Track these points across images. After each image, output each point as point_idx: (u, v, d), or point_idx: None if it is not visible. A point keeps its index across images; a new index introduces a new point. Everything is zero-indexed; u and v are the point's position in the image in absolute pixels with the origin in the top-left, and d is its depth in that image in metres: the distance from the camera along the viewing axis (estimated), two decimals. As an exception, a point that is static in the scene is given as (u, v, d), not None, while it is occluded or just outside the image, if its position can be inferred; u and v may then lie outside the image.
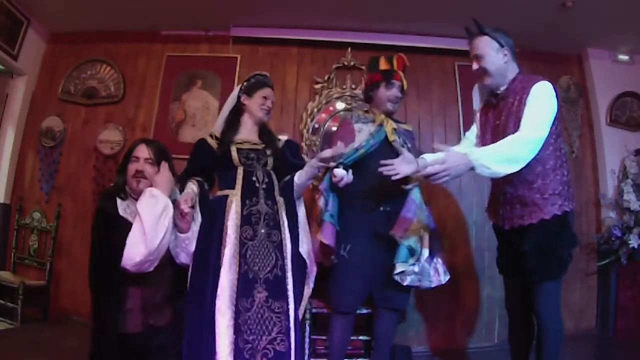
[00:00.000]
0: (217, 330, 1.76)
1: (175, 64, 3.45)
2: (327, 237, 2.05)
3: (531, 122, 1.73)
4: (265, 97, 2.14)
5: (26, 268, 3.25)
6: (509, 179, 1.80)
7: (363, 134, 2.19)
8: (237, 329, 1.76)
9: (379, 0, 3.02)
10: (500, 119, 1.89)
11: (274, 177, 2.08)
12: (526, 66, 3.44)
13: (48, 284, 3.12)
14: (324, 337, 2.52)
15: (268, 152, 2.10)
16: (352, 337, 2.38)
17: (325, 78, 3.37)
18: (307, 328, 2.38)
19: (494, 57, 1.87)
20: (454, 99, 3.40)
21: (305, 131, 3.29)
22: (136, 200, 1.82)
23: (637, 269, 3.07)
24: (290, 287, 1.90)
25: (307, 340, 2.38)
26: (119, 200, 1.82)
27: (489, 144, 1.84)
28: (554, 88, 1.82)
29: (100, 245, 1.76)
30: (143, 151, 1.88)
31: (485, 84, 1.93)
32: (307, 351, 2.37)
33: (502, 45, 1.87)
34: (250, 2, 3.13)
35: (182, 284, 1.90)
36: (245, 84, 2.18)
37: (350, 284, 2.07)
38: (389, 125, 2.21)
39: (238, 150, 2.05)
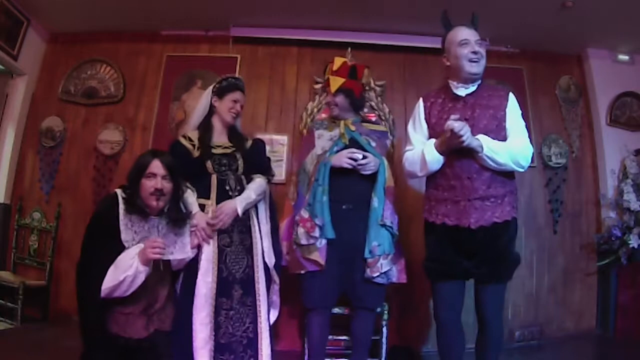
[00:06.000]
0: (193, 327, 1.91)
1: (175, 64, 3.45)
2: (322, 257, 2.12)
3: (524, 133, 1.90)
4: (234, 101, 2.19)
5: (26, 268, 3.25)
6: (480, 175, 1.82)
7: (323, 139, 2.31)
8: (217, 326, 1.93)
9: (379, 0, 3.02)
10: (473, 116, 1.87)
11: (244, 182, 2.16)
12: (526, 66, 3.50)
13: (48, 284, 3.12)
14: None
15: (238, 155, 2.17)
16: (340, 337, 2.49)
17: (326, 78, 3.37)
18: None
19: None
20: (454, 99, 3.40)
21: (305, 131, 3.29)
22: (147, 215, 1.81)
23: (637, 269, 3.07)
24: (260, 284, 2.07)
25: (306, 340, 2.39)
26: (121, 212, 1.77)
27: None
28: None
29: (94, 252, 1.75)
30: (159, 167, 1.82)
31: (475, 71, 1.89)
32: (306, 351, 2.38)
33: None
34: (250, 2, 3.12)
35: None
36: (217, 86, 2.22)
37: (319, 280, 2.11)
38: (342, 127, 2.32)
39: (211, 156, 2.12)
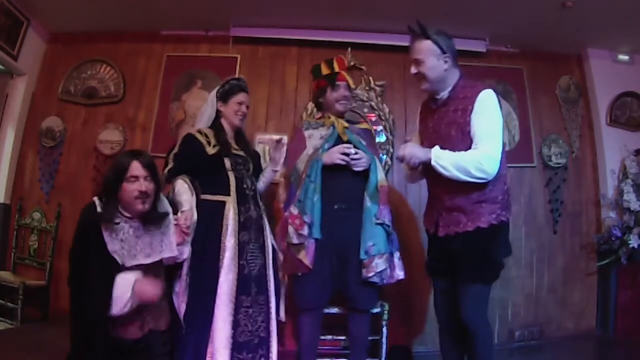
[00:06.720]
0: (214, 325, 1.90)
1: (175, 64, 3.45)
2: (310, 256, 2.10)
3: (487, 137, 1.72)
4: (239, 103, 2.19)
5: (26, 268, 3.25)
6: (448, 186, 1.80)
7: (314, 139, 2.29)
8: (236, 324, 1.93)
9: (378, 0, 3.02)
10: (440, 126, 1.85)
11: (255, 183, 2.21)
12: (526, 66, 3.50)
13: (48, 284, 3.12)
14: (323, 337, 2.53)
15: (249, 158, 2.21)
16: (339, 337, 2.49)
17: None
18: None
19: (435, 63, 1.79)
20: (454, 98, 3.40)
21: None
22: (128, 220, 1.73)
23: (637, 269, 3.07)
24: (271, 282, 2.10)
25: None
26: (103, 223, 1.68)
27: None
28: (496, 95, 1.81)
29: (86, 270, 1.64)
30: (139, 169, 1.72)
31: (422, 89, 1.88)
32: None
33: (443, 52, 1.79)
34: (250, 2, 3.12)
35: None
36: (220, 90, 2.22)
37: (310, 281, 2.10)
38: (340, 126, 2.28)
39: (230, 154, 2.14)
